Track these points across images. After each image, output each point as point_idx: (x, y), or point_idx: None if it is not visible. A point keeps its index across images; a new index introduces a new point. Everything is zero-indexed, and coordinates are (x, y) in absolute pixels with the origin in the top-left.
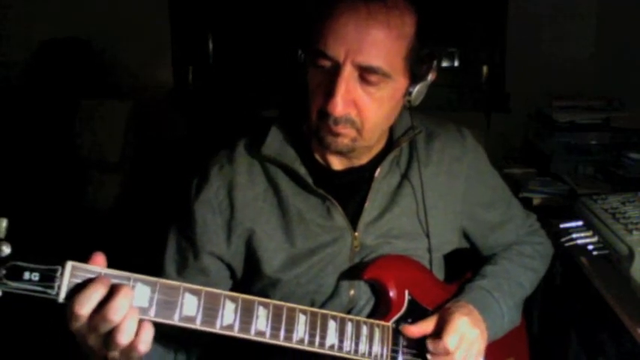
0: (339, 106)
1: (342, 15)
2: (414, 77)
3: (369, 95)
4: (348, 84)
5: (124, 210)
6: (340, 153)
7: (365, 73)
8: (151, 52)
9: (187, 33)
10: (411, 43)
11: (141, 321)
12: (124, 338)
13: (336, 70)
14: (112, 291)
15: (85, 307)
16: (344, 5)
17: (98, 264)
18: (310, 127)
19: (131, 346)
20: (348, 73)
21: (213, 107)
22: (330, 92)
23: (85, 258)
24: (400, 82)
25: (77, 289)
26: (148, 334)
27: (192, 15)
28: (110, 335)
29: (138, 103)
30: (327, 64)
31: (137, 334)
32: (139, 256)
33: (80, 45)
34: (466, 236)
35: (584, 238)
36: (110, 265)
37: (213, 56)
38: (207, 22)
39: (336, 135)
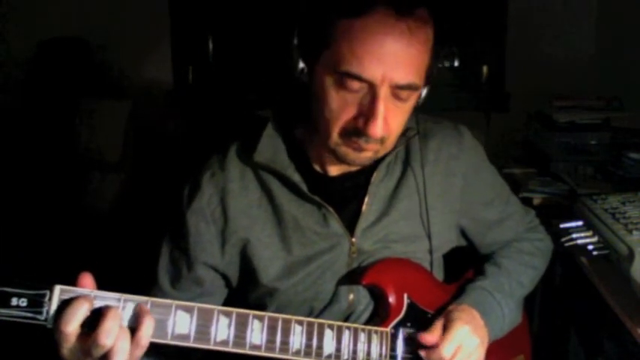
0: (380, 128)
1: (377, 35)
2: (427, 81)
3: (398, 109)
4: (385, 104)
5: (124, 210)
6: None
7: (398, 90)
8: (151, 52)
9: (187, 33)
10: (432, 52)
11: (140, 310)
12: None
13: (370, 91)
14: (101, 314)
15: (72, 323)
16: (376, 24)
17: (86, 285)
18: (325, 143)
19: (134, 345)
20: (385, 94)
21: (213, 107)
22: (368, 114)
23: (85, 260)
24: (421, 89)
25: (61, 309)
26: (148, 327)
27: (192, 15)
28: (105, 358)
29: (137, 103)
30: (358, 85)
31: (138, 328)
32: (137, 260)
33: (80, 45)
34: (464, 234)
35: (584, 238)
36: (109, 270)
37: (213, 56)
38: (207, 22)
39: (362, 151)
